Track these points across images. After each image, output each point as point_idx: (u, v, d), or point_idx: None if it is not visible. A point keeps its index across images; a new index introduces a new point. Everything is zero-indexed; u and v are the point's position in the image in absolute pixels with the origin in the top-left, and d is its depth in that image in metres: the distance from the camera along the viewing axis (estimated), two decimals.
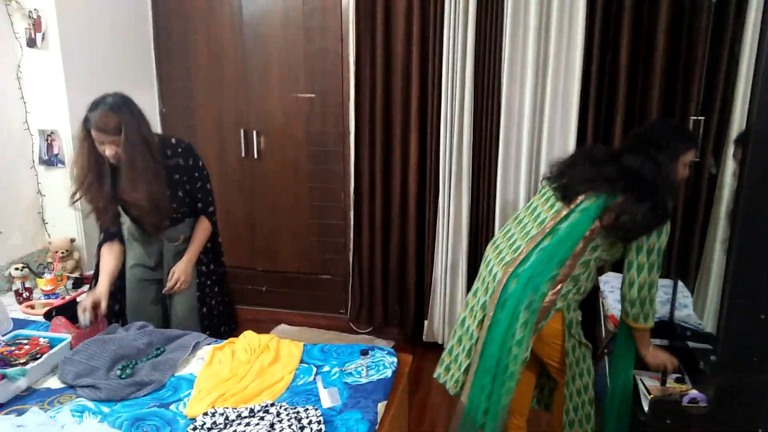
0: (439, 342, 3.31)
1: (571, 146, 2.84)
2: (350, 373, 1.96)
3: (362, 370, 1.96)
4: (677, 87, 2.78)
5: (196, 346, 2.17)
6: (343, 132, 3.38)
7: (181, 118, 3.62)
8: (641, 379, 2.02)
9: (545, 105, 2.89)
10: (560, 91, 2.84)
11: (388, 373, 1.95)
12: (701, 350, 2.15)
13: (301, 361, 2.07)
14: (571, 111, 2.83)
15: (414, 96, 3.11)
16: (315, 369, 2.02)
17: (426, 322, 3.31)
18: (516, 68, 2.90)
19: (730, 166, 2.12)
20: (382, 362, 2.01)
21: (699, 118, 2.20)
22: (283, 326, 3.63)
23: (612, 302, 2.48)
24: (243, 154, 3.55)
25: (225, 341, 2.20)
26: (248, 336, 2.21)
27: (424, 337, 3.34)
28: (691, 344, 2.21)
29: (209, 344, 2.20)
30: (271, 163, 3.55)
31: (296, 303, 3.70)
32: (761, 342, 1.70)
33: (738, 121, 2.12)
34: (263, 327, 3.56)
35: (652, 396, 1.90)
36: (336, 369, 1.99)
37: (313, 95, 3.40)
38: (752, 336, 1.70)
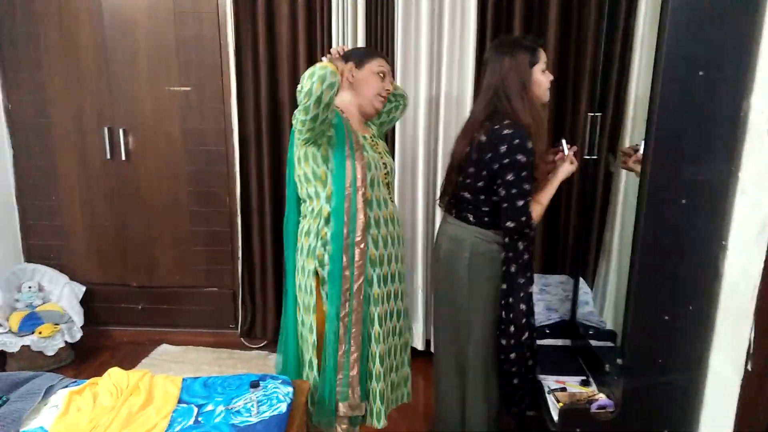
0: None
1: None
2: (238, 412, 1.69)
3: (252, 406, 1.70)
4: (567, 85, 2.76)
5: (48, 391, 1.82)
6: (225, 129, 3.06)
7: (30, 115, 3.10)
8: (550, 388, 1.94)
9: (440, 102, 2.78)
10: (454, 87, 2.75)
11: (283, 407, 1.70)
12: (604, 348, 2.13)
13: (180, 401, 1.78)
14: (464, 110, 2.74)
15: None
16: (196, 409, 1.73)
17: None
18: (410, 62, 2.77)
19: None
20: (275, 394, 1.76)
21: (596, 114, 2.14)
22: (164, 347, 3.26)
23: None
24: (108, 156, 3.11)
25: (85, 382, 1.86)
26: (114, 374, 1.88)
27: None
28: (594, 342, 2.18)
29: (65, 387, 1.85)
30: (143, 165, 3.14)
31: (179, 320, 3.32)
32: (666, 344, 1.68)
33: (632, 117, 2.10)
34: (142, 349, 3.22)
35: (561, 405, 1.83)
36: (221, 408, 1.72)
37: (188, 88, 3.03)
38: (657, 339, 1.68)
